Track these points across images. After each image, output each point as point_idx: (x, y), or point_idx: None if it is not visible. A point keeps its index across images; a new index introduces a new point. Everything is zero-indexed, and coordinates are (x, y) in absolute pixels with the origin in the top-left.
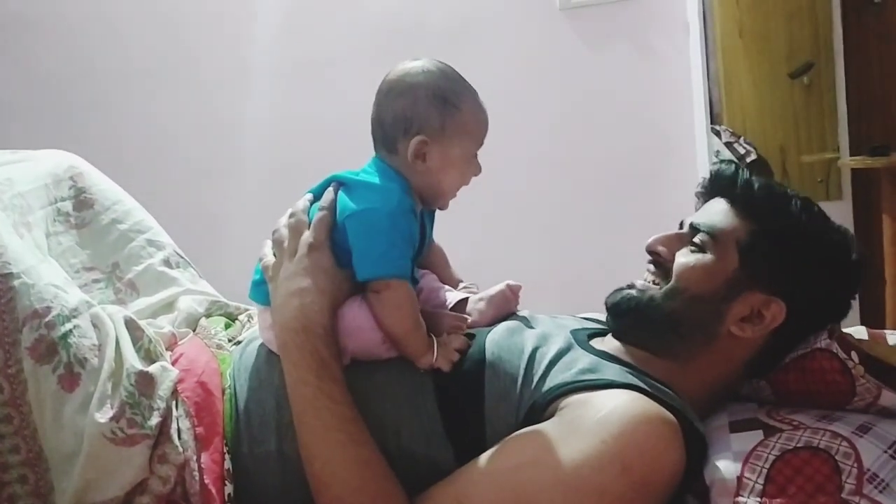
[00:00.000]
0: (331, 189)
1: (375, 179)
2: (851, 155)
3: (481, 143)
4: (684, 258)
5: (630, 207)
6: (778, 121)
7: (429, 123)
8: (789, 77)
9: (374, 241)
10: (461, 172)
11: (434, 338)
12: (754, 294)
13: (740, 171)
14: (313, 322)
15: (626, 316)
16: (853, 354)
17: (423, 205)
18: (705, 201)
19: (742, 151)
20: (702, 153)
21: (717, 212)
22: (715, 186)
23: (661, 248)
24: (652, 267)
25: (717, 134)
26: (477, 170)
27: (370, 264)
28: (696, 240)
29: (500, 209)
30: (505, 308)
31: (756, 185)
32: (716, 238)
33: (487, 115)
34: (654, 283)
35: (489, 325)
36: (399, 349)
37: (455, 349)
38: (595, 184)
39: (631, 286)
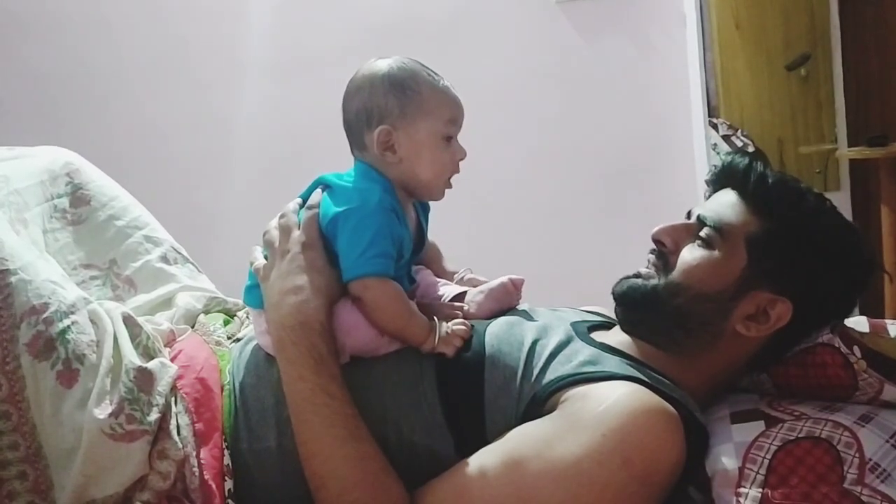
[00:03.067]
0: (318, 190)
1: (356, 181)
2: (849, 145)
3: (452, 125)
4: (690, 254)
5: (628, 201)
6: (775, 113)
7: (389, 110)
8: (786, 69)
9: (354, 241)
10: (434, 156)
11: (437, 321)
12: (761, 293)
13: (754, 164)
14: (310, 318)
15: (633, 309)
16: (855, 349)
17: (414, 198)
18: (715, 190)
19: (740, 144)
20: (699, 146)
21: (727, 205)
22: (726, 177)
23: (666, 239)
24: (653, 257)
25: (715, 127)
26: (459, 153)
27: (349, 266)
28: (703, 234)
29: (497, 203)
30: (506, 301)
31: (770, 181)
32: (723, 234)
33: (454, 95)
34: (655, 272)
35: (488, 318)
36: (400, 341)
37: (458, 336)
38: (592, 177)
39: (637, 275)
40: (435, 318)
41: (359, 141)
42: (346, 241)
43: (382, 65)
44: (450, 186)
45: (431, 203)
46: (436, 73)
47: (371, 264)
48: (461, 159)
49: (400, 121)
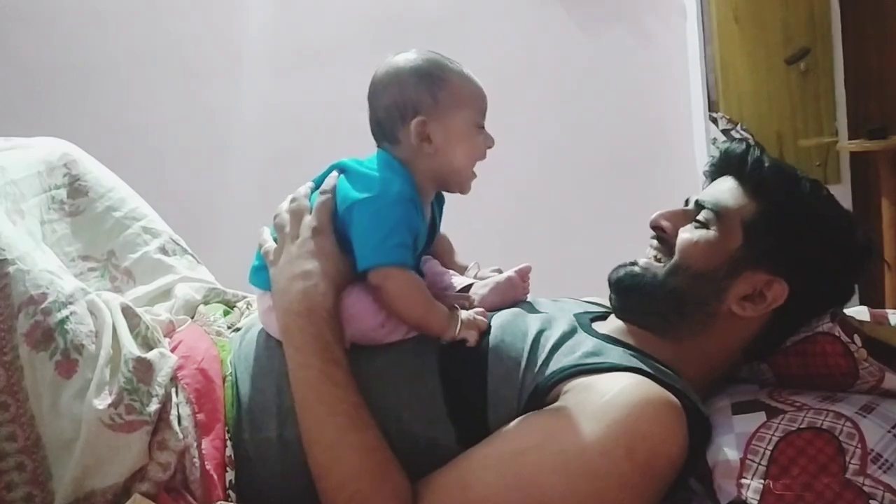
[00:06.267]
0: (333, 174)
1: (377, 170)
2: (849, 138)
3: (482, 113)
4: (687, 234)
5: (627, 194)
6: (775, 106)
7: (422, 102)
8: (785, 63)
9: (373, 229)
10: (469, 144)
11: (459, 310)
12: (757, 273)
13: (751, 150)
14: (317, 305)
15: (628, 293)
16: (856, 337)
17: (442, 189)
18: (713, 179)
19: (739, 138)
20: (699, 140)
21: (724, 190)
22: (724, 165)
23: (664, 224)
24: (655, 242)
25: (715, 121)
26: (489, 141)
27: (368, 254)
28: (701, 217)
29: (496, 196)
30: (510, 295)
31: (766, 165)
32: (720, 215)
33: (480, 86)
34: (656, 259)
35: (492, 311)
36: (421, 332)
37: (477, 325)
38: (592, 170)
39: (634, 263)
40: (455, 305)
41: (391, 136)
42: (364, 229)
43: (405, 59)
44: (475, 176)
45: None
46: (459, 63)
47: (391, 253)
48: (490, 147)
49: (434, 111)
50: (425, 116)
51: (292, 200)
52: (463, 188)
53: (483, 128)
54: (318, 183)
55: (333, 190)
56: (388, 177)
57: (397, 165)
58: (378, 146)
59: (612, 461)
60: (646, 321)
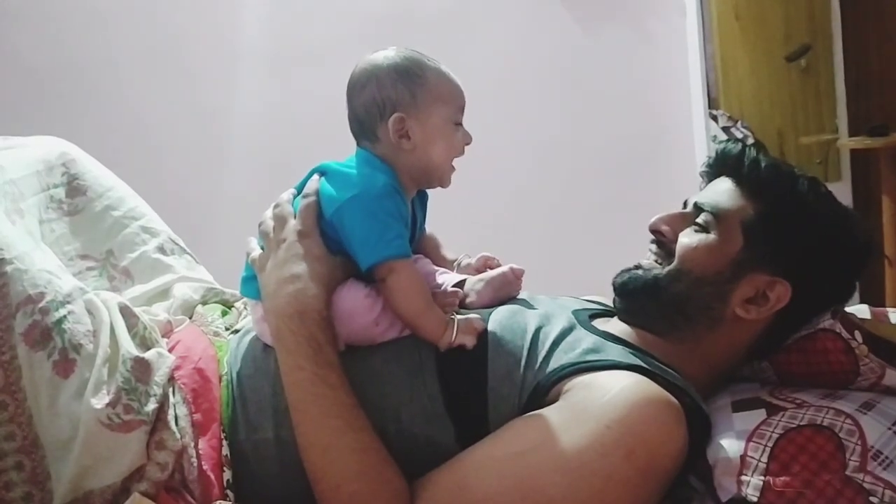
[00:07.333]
0: (314, 178)
1: (356, 167)
2: (850, 135)
3: (460, 110)
4: (687, 239)
5: (627, 192)
6: (775, 104)
7: (401, 99)
8: (786, 60)
9: (369, 226)
10: (447, 141)
11: (455, 316)
12: (759, 275)
13: (747, 149)
14: (308, 307)
15: (633, 297)
16: (856, 334)
17: (423, 185)
18: (710, 180)
19: (739, 135)
20: (700, 138)
21: (722, 191)
22: (721, 165)
23: (664, 228)
24: (654, 247)
25: (715, 118)
26: (466, 138)
27: (369, 251)
28: (700, 220)
29: (496, 195)
30: (505, 290)
31: (763, 165)
32: (720, 218)
33: (458, 83)
34: (657, 262)
35: (487, 306)
36: (416, 332)
37: (475, 327)
38: (591, 169)
39: (637, 266)
40: (455, 314)
41: (370, 134)
42: (360, 228)
43: (383, 56)
44: (454, 170)
45: (432, 196)
46: (437, 61)
47: (393, 246)
48: (468, 143)
49: (412, 108)
50: (403, 113)
51: (275, 207)
52: (443, 182)
53: (461, 124)
54: (301, 188)
55: (317, 193)
56: (369, 172)
57: (378, 162)
58: (358, 144)
59: (613, 462)
60: (651, 324)
